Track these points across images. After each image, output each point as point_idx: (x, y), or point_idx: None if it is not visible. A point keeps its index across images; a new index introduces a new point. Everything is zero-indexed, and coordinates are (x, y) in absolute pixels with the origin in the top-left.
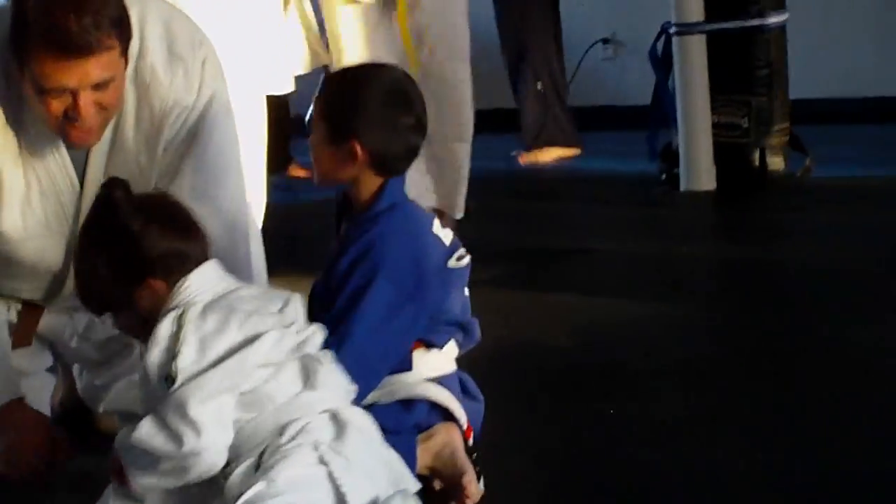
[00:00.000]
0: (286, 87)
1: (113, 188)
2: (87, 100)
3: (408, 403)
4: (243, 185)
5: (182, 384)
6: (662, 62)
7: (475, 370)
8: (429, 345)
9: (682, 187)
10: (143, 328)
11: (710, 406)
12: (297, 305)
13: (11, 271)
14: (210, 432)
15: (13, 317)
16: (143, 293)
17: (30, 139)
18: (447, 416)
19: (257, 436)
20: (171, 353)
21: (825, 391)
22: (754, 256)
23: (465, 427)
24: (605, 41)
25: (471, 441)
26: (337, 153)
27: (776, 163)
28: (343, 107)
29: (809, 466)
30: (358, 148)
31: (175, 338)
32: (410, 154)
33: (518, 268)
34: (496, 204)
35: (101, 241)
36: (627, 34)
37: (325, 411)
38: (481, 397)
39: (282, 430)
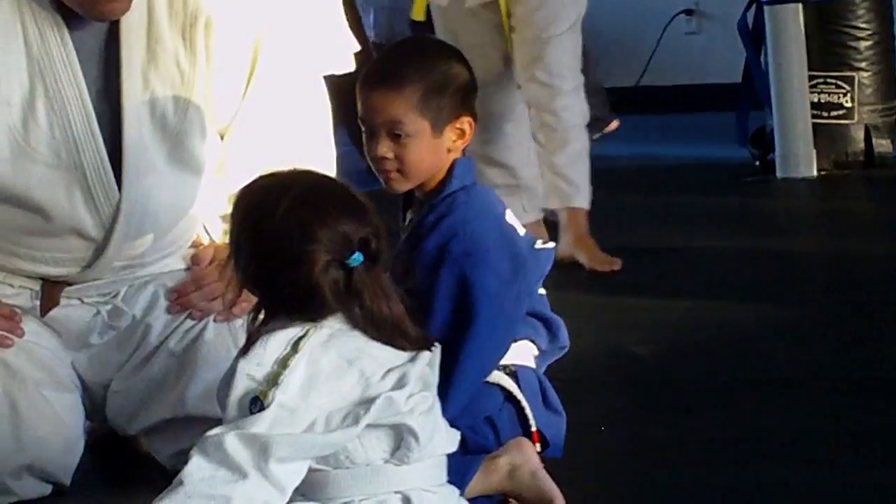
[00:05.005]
0: (346, 65)
1: None
2: None
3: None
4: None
5: (272, 421)
6: (753, 35)
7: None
8: None
9: (779, 174)
10: None
11: (821, 425)
12: (423, 364)
13: (17, 222)
14: (286, 495)
15: (37, 303)
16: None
17: (30, 28)
18: (520, 417)
19: (317, 491)
20: (272, 379)
21: None
22: (865, 251)
23: (532, 430)
24: (688, 12)
25: (538, 447)
26: (440, 143)
27: (884, 145)
28: (440, 85)
29: None
30: (468, 124)
31: (283, 364)
32: None
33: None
34: None
35: None
36: (713, 4)
37: (398, 492)
38: (563, 412)
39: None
